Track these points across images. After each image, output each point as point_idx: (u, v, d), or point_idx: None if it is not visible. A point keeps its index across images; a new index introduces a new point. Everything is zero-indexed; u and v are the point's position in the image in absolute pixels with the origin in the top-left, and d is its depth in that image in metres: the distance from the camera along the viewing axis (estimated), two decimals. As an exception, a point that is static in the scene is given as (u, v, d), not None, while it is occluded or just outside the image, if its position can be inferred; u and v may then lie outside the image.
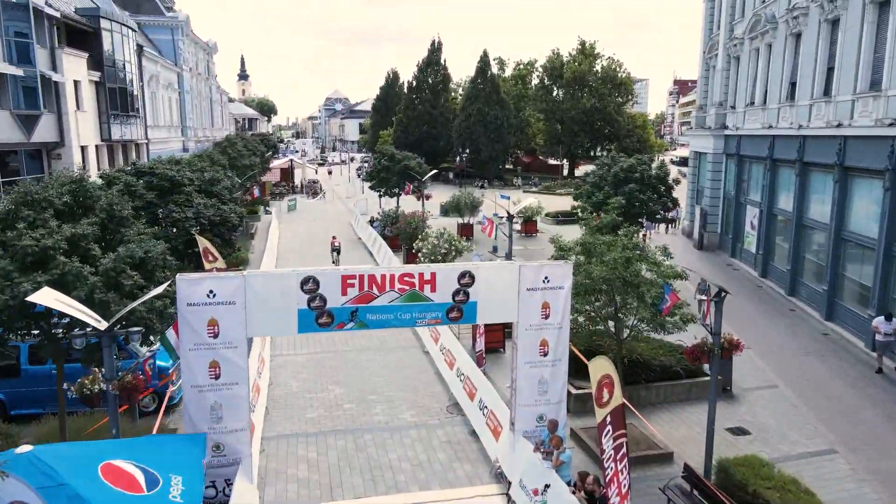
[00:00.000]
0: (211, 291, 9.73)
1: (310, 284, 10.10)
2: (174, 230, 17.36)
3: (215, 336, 9.84)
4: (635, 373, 15.02)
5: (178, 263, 11.98)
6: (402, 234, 30.04)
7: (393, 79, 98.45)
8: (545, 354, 11.33)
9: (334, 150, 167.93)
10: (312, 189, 63.42)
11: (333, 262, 31.92)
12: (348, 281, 10.23)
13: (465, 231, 38.23)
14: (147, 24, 51.98)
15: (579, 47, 78.10)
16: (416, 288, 10.48)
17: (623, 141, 75.79)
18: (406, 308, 10.52)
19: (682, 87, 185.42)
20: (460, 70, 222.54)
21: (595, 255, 12.28)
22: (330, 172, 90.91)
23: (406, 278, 10.45)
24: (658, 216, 25.48)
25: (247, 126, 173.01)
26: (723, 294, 10.54)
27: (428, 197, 39.21)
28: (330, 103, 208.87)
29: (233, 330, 9.90)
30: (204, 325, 9.78)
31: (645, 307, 11.77)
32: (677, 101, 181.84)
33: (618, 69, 76.99)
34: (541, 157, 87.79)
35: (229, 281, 9.88)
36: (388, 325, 10.64)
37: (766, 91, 26.91)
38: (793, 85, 24.47)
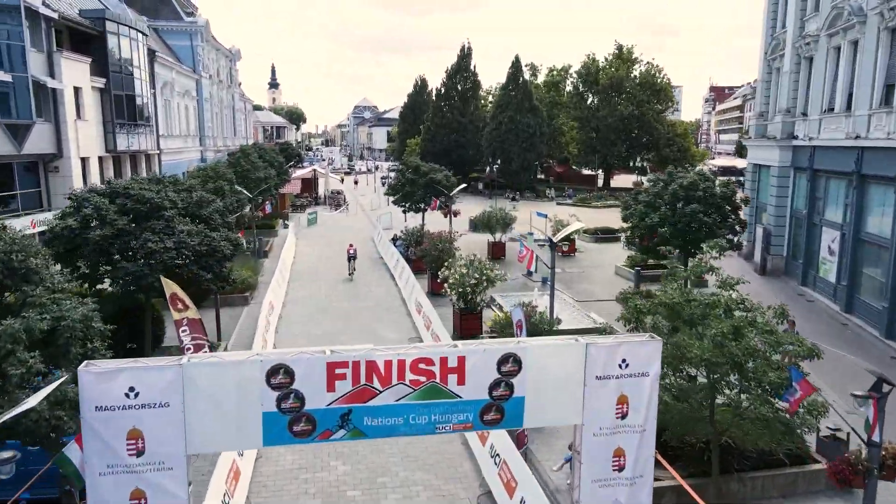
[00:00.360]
0: (131, 389, 6.57)
1: (280, 377, 6.89)
2: (150, 264, 14.34)
3: (138, 454, 6.68)
4: (724, 460, 11.49)
5: (110, 331, 8.77)
6: (427, 257, 26.81)
7: (421, 86, 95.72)
8: (621, 469, 7.93)
9: (362, 158, 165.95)
10: (335, 201, 60.66)
11: (349, 273, 31.31)
12: (337, 371, 7.01)
13: (497, 250, 34.89)
14: (164, 30, 49.88)
15: (616, 52, 74.34)
16: (437, 379, 7.21)
17: (662, 150, 71.72)
18: (422, 408, 7.25)
19: (718, 93, 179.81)
20: (490, 78, 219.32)
21: (687, 319, 8.84)
22: (356, 182, 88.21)
23: (422, 365, 7.18)
24: (726, 241, 21.81)
25: (275, 134, 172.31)
26: (886, 389, 7.09)
27: (456, 214, 36.00)
28: (358, 111, 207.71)
29: (165, 445, 6.73)
30: (122, 438, 6.63)
31: (760, 400, 8.29)
32: (713, 109, 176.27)
33: (657, 74, 73.00)
34: (574, 167, 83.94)
35: (159, 373, 6.68)
36: (396, 433, 7.35)
37: (852, 96, 23.07)
38: (890, 88, 20.65)
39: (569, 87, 78.81)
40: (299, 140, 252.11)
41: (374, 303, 25.82)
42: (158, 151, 40.15)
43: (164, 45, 48.42)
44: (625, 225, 25.14)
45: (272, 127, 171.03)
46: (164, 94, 42.35)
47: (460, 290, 20.43)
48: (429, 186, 35.42)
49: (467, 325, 21.10)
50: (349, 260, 31.14)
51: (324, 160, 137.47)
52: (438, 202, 35.44)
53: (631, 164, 74.15)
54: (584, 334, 8.62)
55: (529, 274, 29.34)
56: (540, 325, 15.72)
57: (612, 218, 53.38)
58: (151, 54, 38.95)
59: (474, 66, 75.01)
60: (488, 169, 69.12)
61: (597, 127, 71.51)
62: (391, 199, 38.03)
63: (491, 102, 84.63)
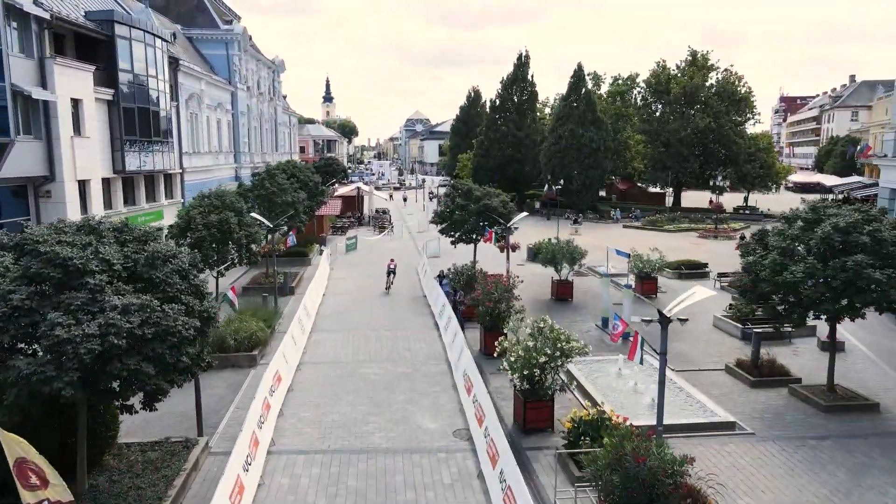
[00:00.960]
0: None
1: None
2: (60, 361, 9.42)
3: None
4: None
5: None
6: (479, 308, 21.29)
7: (474, 98, 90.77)
8: None
9: (413, 172, 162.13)
10: (380, 222, 55.79)
11: (386, 288, 31.54)
12: None
13: (562, 290, 29.16)
14: (199, 38, 46.29)
15: (689, 59, 67.53)
16: None
17: (743, 166, 64.41)
18: None
19: (789, 104, 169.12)
20: (544, 93, 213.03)
21: None
22: (405, 199, 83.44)
23: None
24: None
25: (325, 148, 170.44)
26: None
27: (515, 248, 30.44)
28: (410, 124, 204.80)
29: None
30: None
31: None
32: (784, 120, 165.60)
33: (737, 83, 65.83)
34: (639, 185, 77.01)
35: None
36: None
37: None
38: None
39: (636, 98, 72.35)
40: (350, 153, 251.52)
41: (413, 367, 20.44)
42: (181, 171, 36.08)
43: (197, 55, 44.77)
44: (742, 274, 19.08)
45: (323, 140, 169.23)
46: (191, 107, 38.38)
47: (525, 372, 14.83)
48: (482, 214, 29.95)
49: (534, 415, 15.53)
50: (388, 275, 32.01)
51: (373, 174, 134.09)
52: (494, 234, 29.90)
53: (714, 183, 66.91)
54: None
55: (626, 338, 23.41)
56: (661, 478, 9.92)
57: (688, 245, 46.69)
58: (174, 62, 34.95)
59: (531, 76, 69.52)
60: (546, 187, 63.34)
61: (667, 141, 64.80)
62: (438, 227, 32.69)
63: (549, 115, 78.97)
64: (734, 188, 67.76)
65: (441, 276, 28.52)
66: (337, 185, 72.54)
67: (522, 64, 69.24)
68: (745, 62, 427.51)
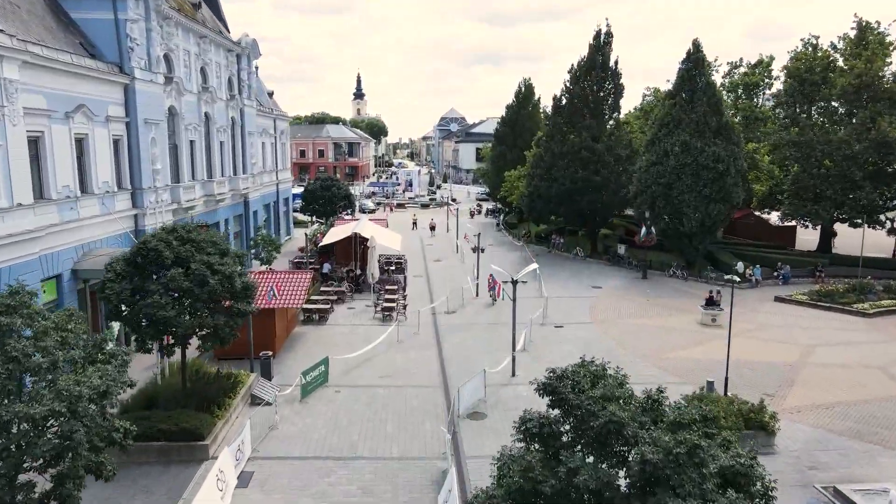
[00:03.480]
0: None
1: None
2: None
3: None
4: None
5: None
6: None
7: (525, 95, 69.38)
8: None
9: (446, 180, 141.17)
10: (385, 293, 34.81)
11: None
12: None
13: None
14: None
15: (854, 36, 45.19)
16: None
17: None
18: None
19: None
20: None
21: None
22: (433, 228, 62.54)
23: None
24: None
25: (347, 152, 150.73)
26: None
27: None
28: (444, 123, 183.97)
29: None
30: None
31: None
32: None
33: (936, 69, 43.37)
34: (756, 213, 54.58)
35: None
36: None
37: None
38: None
39: (761, 96, 50.35)
40: (380, 154, 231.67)
41: None
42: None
43: (58, 23, 24.98)
44: None
45: (345, 143, 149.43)
46: (11, 117, 18.47)
47: None
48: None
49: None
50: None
51: (398, 184, 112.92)
52: None
53: (873, 214, 44.67)
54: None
55: None
56: None
57: None
58: None
59: (615, 64, 48.13)
60: (645, 230, 41.86)
61: (830, 156, 42.82)
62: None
63: (636, 117, 57.45)
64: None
65: None
66: (338, 216, 52.23)
67: (601, 46, 47.91)
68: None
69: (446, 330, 30.21)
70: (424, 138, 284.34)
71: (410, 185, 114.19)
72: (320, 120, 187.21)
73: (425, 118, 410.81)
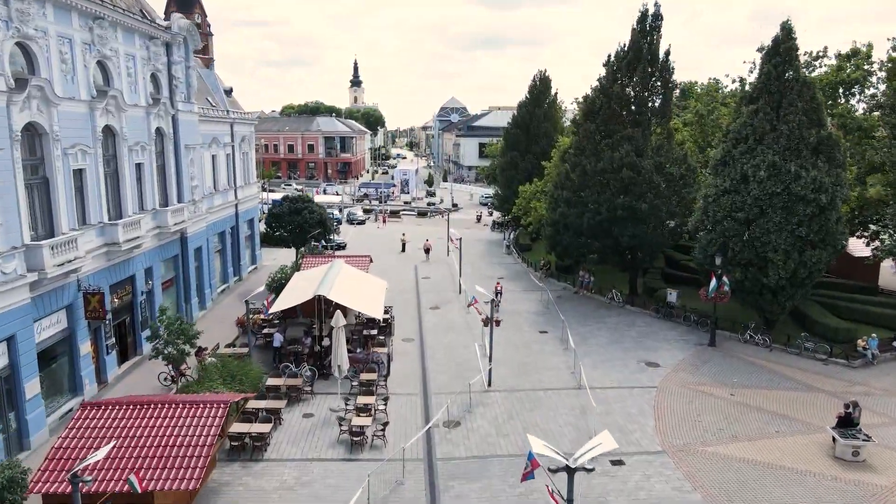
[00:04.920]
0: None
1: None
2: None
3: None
4: None
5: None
6: None
7: (540, 88, 58.17)
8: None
9: (446, 178, 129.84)
10: (359, 414, 23.42)
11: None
12: None
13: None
14: None
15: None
16: None
17: None
18: None
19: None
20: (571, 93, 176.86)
21: None
22: (428, 251, 51.57)
23: None
24: None
25: (339, 147, 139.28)
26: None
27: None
28: (444, 113, 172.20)
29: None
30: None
31: None
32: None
33: None
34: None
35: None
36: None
37: None
38: None
39: (853, 102, 39.26)
40: (377, 146, 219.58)
41: None
42: None
43: None
44: None
45: (336, 137, 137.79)
46: None
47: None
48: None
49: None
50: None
51: (392, 185, 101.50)
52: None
53: None
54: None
55: None
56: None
57: None
58: None
59: (666, 55, 37.17)
60: (714, 281, 30.88)
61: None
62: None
63: (688, 128, 46.65)
64: None
65: None
66: (306, 255, 41.44)
67: (647, 31, 36.93)
68: None
69: (451, 473, 19.56)
70: (424, 128, 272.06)
71: (406, 185, 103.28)
72: (312, 111, 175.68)
73: (425, 105, 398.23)
